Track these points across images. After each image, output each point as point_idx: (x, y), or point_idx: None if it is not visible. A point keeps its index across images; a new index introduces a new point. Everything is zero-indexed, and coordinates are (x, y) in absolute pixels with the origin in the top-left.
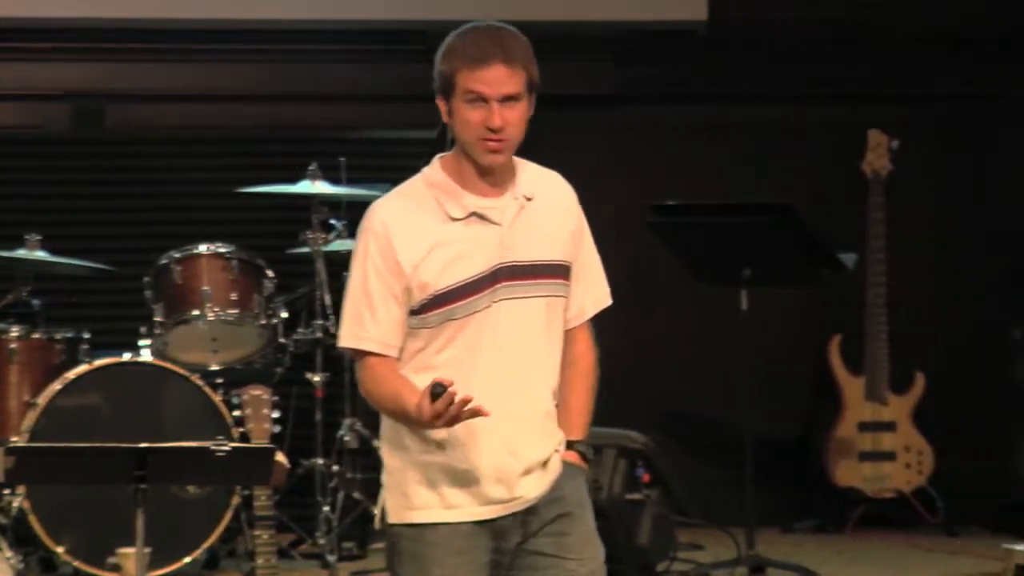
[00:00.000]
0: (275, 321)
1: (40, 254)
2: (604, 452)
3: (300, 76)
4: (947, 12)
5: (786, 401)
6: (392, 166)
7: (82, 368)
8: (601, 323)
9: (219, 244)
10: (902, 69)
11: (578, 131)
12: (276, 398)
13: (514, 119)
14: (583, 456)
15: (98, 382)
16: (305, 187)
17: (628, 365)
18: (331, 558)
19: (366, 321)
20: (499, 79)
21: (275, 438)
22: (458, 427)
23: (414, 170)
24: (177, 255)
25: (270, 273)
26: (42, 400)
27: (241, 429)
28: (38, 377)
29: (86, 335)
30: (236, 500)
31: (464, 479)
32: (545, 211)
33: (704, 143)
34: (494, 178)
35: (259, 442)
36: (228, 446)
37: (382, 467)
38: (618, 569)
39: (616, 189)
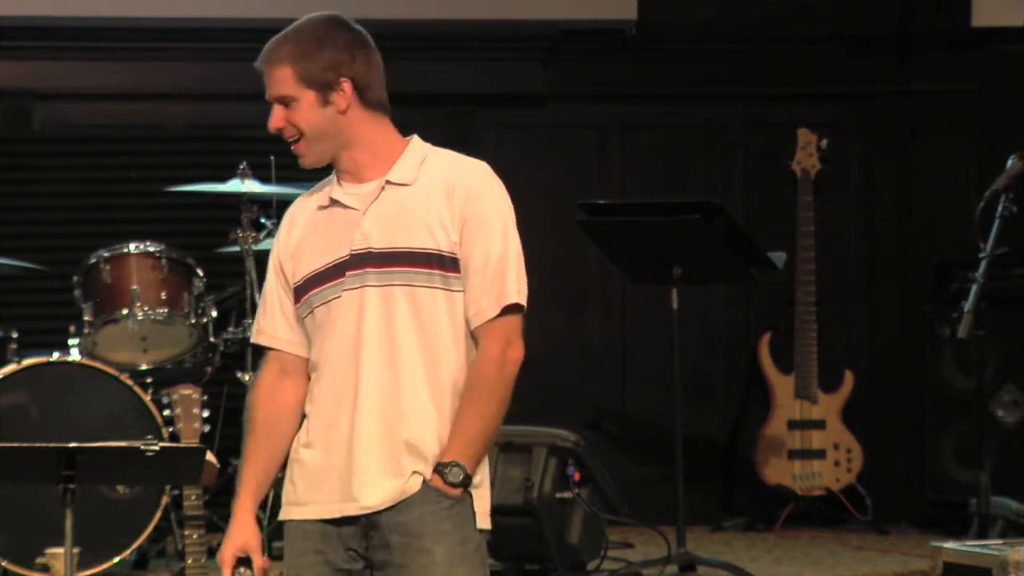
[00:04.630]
0: (205, 320)
1: None
2: (534, 450)
3: (230, 74)
4: (873, 10)
5: (716, 399)
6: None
7: (10, 368)
8: (533, 322)
9: (148, 243)
10: (830, 68)
11: (507, 129)
12: (206, 397)
13: (294, 119)
14: (447, 480)
15: (26, 382)
16: (235, 186)
17: (559, 364)
18: None
19: (260, 315)
20: (266, 84)
21: (205, 437)
22: (317, 421)
23: None
24: (106, 254)
25: (200, 272)
26: None
27: (171, 429)
28: None
29: (14, 334)
30: (165, 500)
31: (314, 476)
32: (420, 197)
33: (634, 142)
34: (356, 167)
35: (189, 442)
36: (158, 446)
37: None
38: (548, 568)
39: (545, 188)
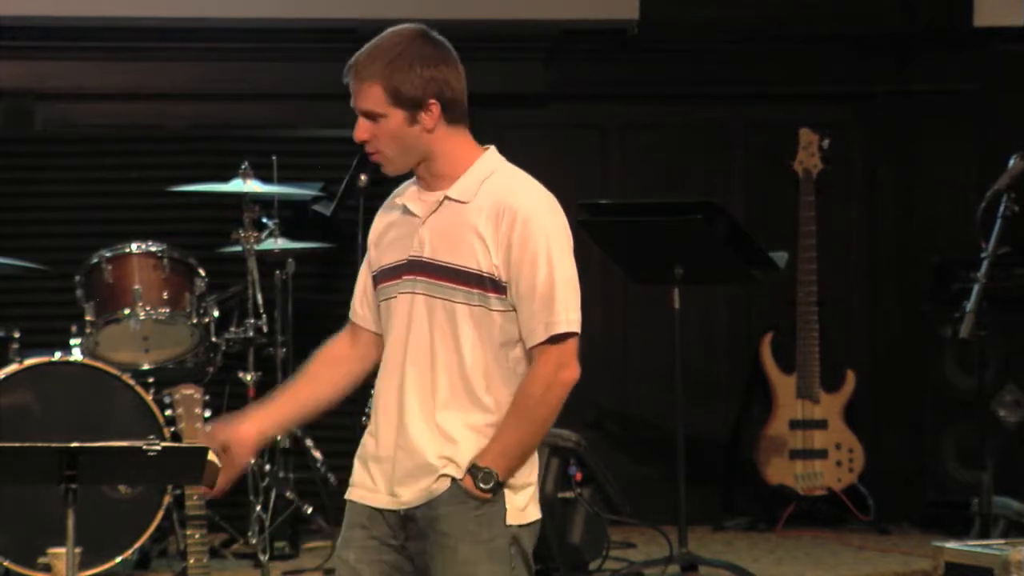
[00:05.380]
0: (207, 320)
1: None
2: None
3: (231, 74)
4: (876, 11)
5: (718, 399)
6: (324, 164)
7: (12, 367)
8: None
9: (150, 243)
10: (832, 68)
11: (508, 130)
12: (208, 397)
13: (380, 133)
14: (477, 483)
15: (28, 382)
16: (237, 186)
17: None
18: (263, 557)
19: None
20: (353, 96)
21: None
22: (376, 413)
23: (345, 168)
24: (108, 254)
25: (202, 272)
26: None
27: (172, 428)
28: None
29: (16, 334)
30: (167, 500)
31: (368, 462)
32: (473, 216)
33: (635, 142)
34: (429, 178)
35: (191, 442)
36: (159, 445)
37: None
38: (550, 568)
39: (549, 187)
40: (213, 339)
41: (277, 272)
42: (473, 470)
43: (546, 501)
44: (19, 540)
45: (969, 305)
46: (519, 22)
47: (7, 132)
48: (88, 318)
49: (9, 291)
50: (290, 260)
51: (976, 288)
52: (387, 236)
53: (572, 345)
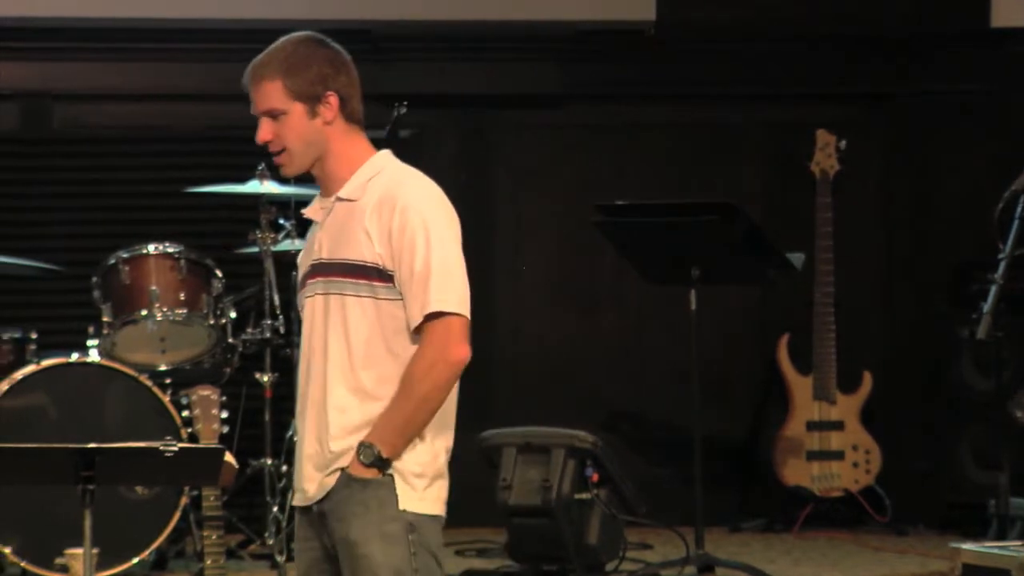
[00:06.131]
0: (224, 321)
1: None
2: (553, 452)
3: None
4: (892, 13)
5: (734, 400)
6: None
7: (29, 368)
8: (549, 322)
9: (167, 244)
10: (849, 69)
11: (524, 130)
12: (225, 398)
13: (282, 131)
14: (358, 458)
15: (45, 382)
16: (254, 187)
17: (577, 365)
18: (280, 558)
19: None
20: (253, 99)
21: (224, 438)
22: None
23: None
24: (125, 255)
25: (219, 273)
26: None
27: (190, 429)
28: None
29: (33, 335)
30: (184, 501)
31: (296, 463)
32: (360, 212)
33: (651, 143)
34: (325, 181)
35: (208, 442)
36: (176, 446)
37: None
38: (567, 569)
39: (563, 188)
40: (230, 340)
41: (294, 273)
42: (357, 447)
43: (562, 502)
44: (36, 541)
45: (986, 306)
46: (536, 23)
47: (24, 132)
48: (105, 319)
49: (26, 292)
50: None
51: (993, 289)
52: (303, 251)
53: (456, 325)
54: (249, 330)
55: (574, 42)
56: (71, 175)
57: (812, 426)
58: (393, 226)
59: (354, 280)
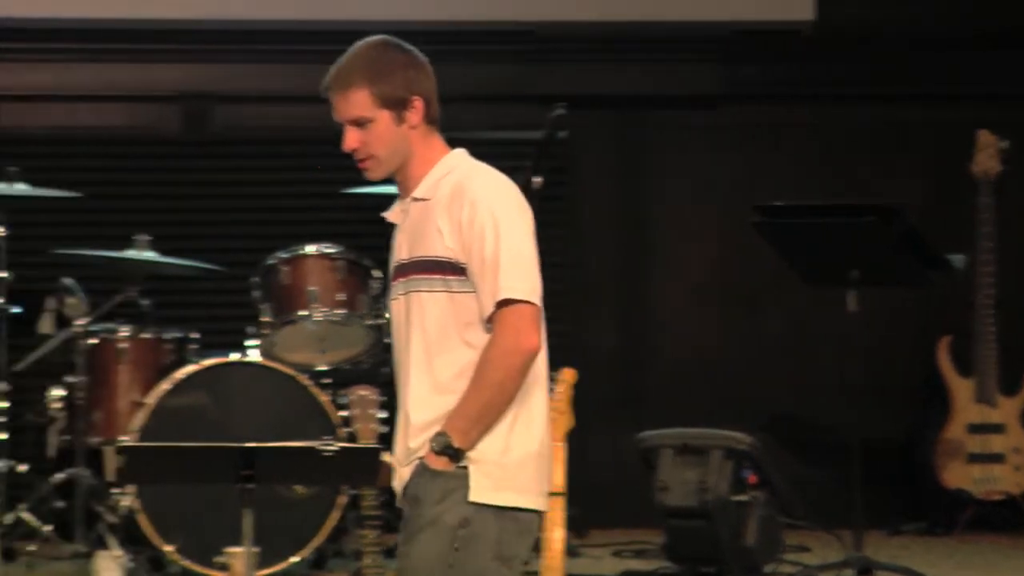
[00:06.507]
0: (381, 321)
1: (149, 255)
2: (711, 453)
3: None
4: None
5: (894, 402)
6: (497, 166)
7: (190, 368)
8: (709, 324)
9: (326, 244)
10: (1012, 69)
11: (684, 131)
12: (384, 398)
13: (369, 138)
14: (432, 448)
15: (206, 382)
16: None
17: (735, 366)
18: None
19: None
20: (338, 108)
21: (382, 438)
22: None
23: (518, 170)
24: (284, 255)
25: (376, 273)
26: (151, 400)
27: (348, 429)
28: (147, 377)
29: (194, 335)
30: (343, 500)
31: None
32: (433, 210)
33: (810, 143)
34: (405, 182)
35: (366, 442)
36: (335, 446)
37: None
38: (724, 570)
39: (722, 189)
40: (387, 340)
41: None
42: (433, 437)
43: (719, 503)
44: (196, 539)
45: None
46: (694, 24)
47: (187, 135)
48: (265, 319)
49: (188, 292)
50: None
51: None
52: (391, 256)
53: (527, 313)
54: None
55: (732, 42)
56: (231, 176)
57: (973, 429)
58: (463, 219)
59: (428, 276)
